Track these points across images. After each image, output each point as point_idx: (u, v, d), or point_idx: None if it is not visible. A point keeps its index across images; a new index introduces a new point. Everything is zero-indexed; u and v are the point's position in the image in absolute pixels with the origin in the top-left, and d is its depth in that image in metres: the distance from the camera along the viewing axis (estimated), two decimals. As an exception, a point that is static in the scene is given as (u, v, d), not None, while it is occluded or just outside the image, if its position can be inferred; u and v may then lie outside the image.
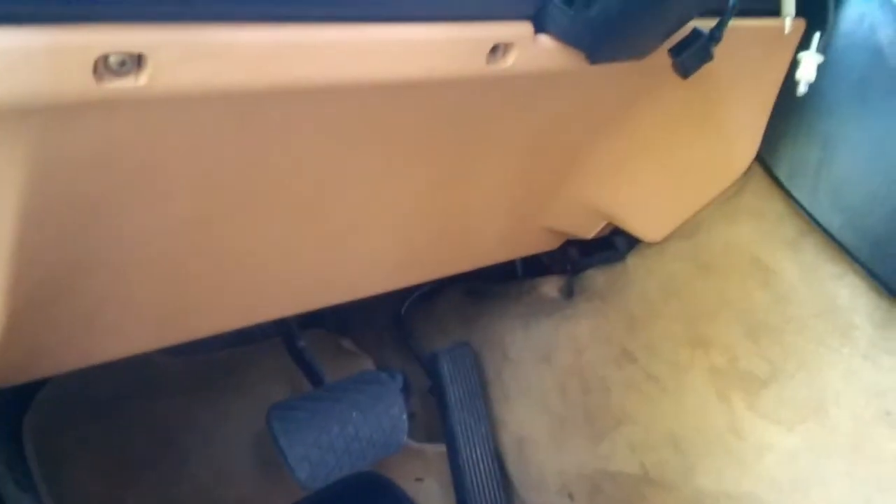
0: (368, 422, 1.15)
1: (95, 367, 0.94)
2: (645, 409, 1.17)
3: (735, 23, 0.79)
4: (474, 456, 1.32)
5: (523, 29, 0.69)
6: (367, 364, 1.53)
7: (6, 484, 1.00)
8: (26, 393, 1.16)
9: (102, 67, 0.47)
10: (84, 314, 0.73)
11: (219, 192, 0.70)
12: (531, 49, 0.70)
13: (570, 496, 1.26)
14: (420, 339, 1.55)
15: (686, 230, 1.15)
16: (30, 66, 0.44)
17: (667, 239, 1.17)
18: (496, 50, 0.68)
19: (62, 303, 0.71)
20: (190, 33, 0.50)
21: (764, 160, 1.09)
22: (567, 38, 0.71)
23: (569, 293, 1.36)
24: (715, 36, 0.79)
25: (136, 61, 0.49)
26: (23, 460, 1.10)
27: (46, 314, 0.70)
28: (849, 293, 1.03)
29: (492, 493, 1.30)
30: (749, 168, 1.10)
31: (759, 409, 1.08)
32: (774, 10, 0.88)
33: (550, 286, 1.39)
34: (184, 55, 0.50)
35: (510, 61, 0.69)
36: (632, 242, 1.23)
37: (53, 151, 0.51)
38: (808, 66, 0.84)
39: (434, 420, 1.43)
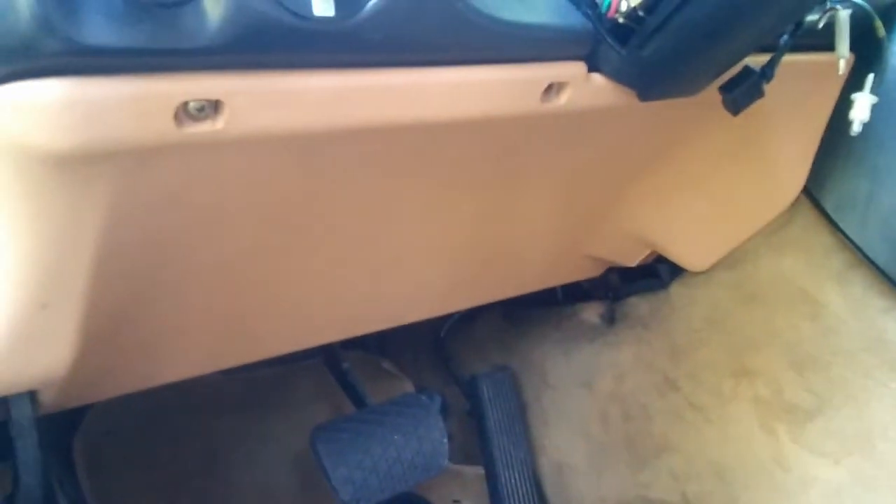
0: (410, 445, 1.17)
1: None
2: (687, 438, 1.17)
3: (786, 58, 0.80)
4: (513, 480, 1.32)
5: (577, 69, 0.70)
6: (407, 386, 1.54)
7: (59, 501, 1.03)
8: (76, 411, 1.19)
9: (183, 113, 0.50)
10: (146, 341, 0.76)
11: (277, 226, 0.72)
12: (584, 88, 0.71)
13: (611, 524, 1.26)
14: (459, 363, 1.56)
15: (732, 260, 1.15)
16: (117, 113, 0.47)
17: (712, 268, 1.17)
18: (550, 89, 0.70)
19: (127, 331, 0.73)
20: (264, 81, 0.52)
21: (811, 192, 1.09)
22: (619, 77, 0.73)
23: (610, 320, 1.36)
24: (767, 74, 0.79)
25: (213, 107, 0.51)
26: (73, 477, 1.12)
27: (112, 341, 0.73)
28: (897, 327, 1.02)
29: (531, 518, 1.30)
30: (796, 200, 1.10)
31: (805, 441, 1.07)
32: (824, 46, 0.88)
33: (591, 312, 1.40)
34: (258, 101, 0.52)
35: (563, 100, 0.71)
36: (675, 271, 1.23)
37: (131, 190, 0.54)
38: (863, 107, 0.84)
39: (472, 443, 1.43)
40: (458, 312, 1.55)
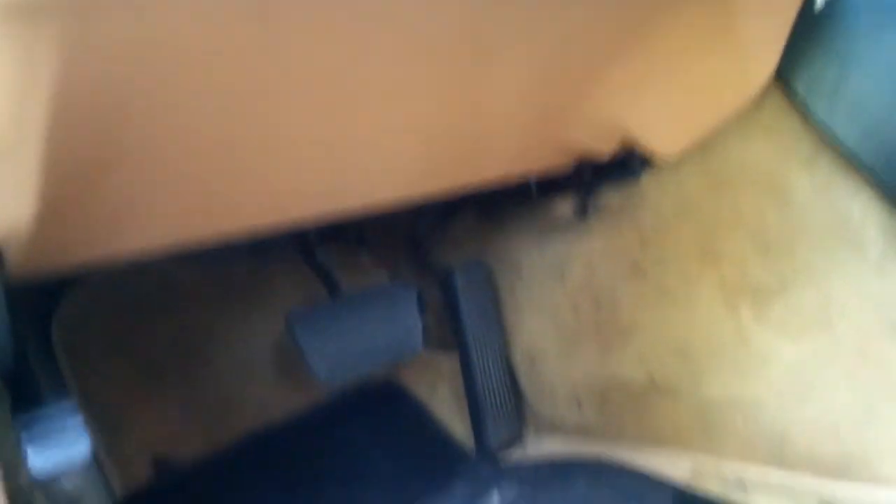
0: (385, 327, 1.19)
1: (120, 272, 0.97)
2: (654, 321, 1.21)
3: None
4: (487, 366, 1.36)
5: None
6: (383, 278, 1.56)
7: (37, 378, 1.05)
8: (55, 291, 1.20)
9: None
10: (113, 202, 0.76)
11: (241, 88, 0.71)
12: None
13: (579, 404, 1.31)
14: (436, 258, 1.58)
15: (701, 148, 1.16)
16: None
17: (682, 158, 1.18)
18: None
19: (90, 195, 0.73)
20: None
21: (782, 77, 1.09)
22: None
23: (583, 213, 1.37)
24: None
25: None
26: (52, 356, 1.14)
27: (75, 205, 0.73)
28: (861, 208, 1.04)
29: (503, 400, 1.35)
30: (767, 85, 1.10)
31: (767, 319, 1.11)
32: (799, -84, 0.87)
33: (565, 206, 1.41)
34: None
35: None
36: (647, 162, 1.24)
37: (83, 37, 0.53)
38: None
39: (447, 335, 1.47)
40: (434, 209, 1.56)
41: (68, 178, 0.67)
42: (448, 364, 1.45)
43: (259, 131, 0.80)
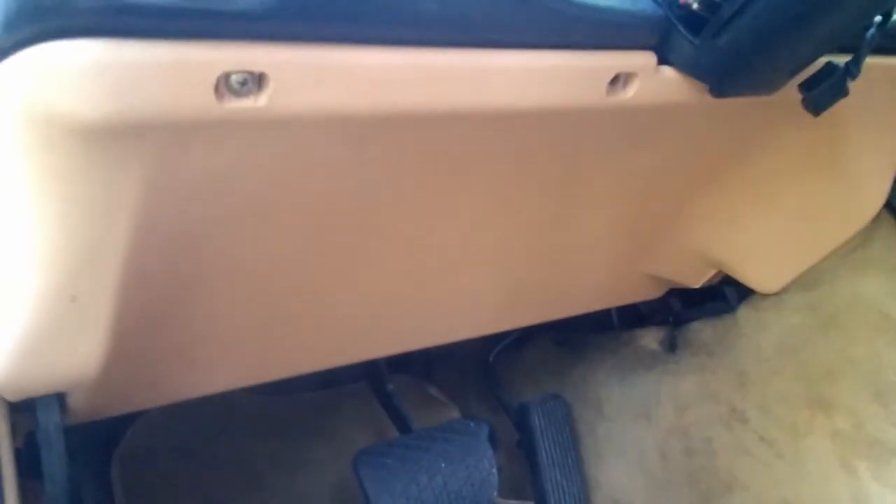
0: (457, 474, 1.11)
1: (185, 404, 0.93)
2: (757, 476, 1.08)
3: (869, 60, 0.74)
4: (566, 517, 1.25)
5: (646, 59, 0.65)
6: (454, 413, 1.48)
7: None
8: (117, 427, 1.16)
9: (224, 86, 0.46)
10: (180, 345, 0.72)
11: (323, 221, 0.68)
12: (653, 80, 0.66)
13: (672, 567, 1.17)
14: (508, 390, 1.49)
15: (806, 282, 1.08)
16: (153, 81, 0.43)
17: (784, 291, 1.09)
18: (617, 80, 0.65)
19: (161, 333, 0.70)
20: (312, 54, 0.48)
21: (894, 208, 1.02)
22: (691, 69, 0.68)
23: (671, 346, 1.28)
24: (851, 70, 0.73)
25: (257, 81, 0.47)
26: (109, 494, 1.09)
27: (145, 344, 0.69)
28: None
29: (585, 557, 1.22)
30: (877, 216, 1.02)
31: (889, 480, 0.98)
32: (911, 47, 0.82)
33: (650, 338, 1.32)
34: (306, 76, 0.48)
35: (631, 93, 0.66)
36: (743, 293, 1.16)
37: (168, 171, 0.50)
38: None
39: (521, 476, 1.36)
40: (507, 336, 1.49)
41: (137, 324, 0.63)
42: (523, 512, 1.34)
43: (339, 268, 0.76)
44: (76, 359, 0.59)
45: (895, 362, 1.00)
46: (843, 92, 0.75)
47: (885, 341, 1.01)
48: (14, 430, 0.65)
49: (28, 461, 0.65)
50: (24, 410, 0.65)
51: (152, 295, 0.62)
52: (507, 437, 1.42)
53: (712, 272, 1.11)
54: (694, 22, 0.65)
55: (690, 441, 1.18)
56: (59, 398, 0.65)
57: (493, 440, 1.33)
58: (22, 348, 0.56)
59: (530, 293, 0.99)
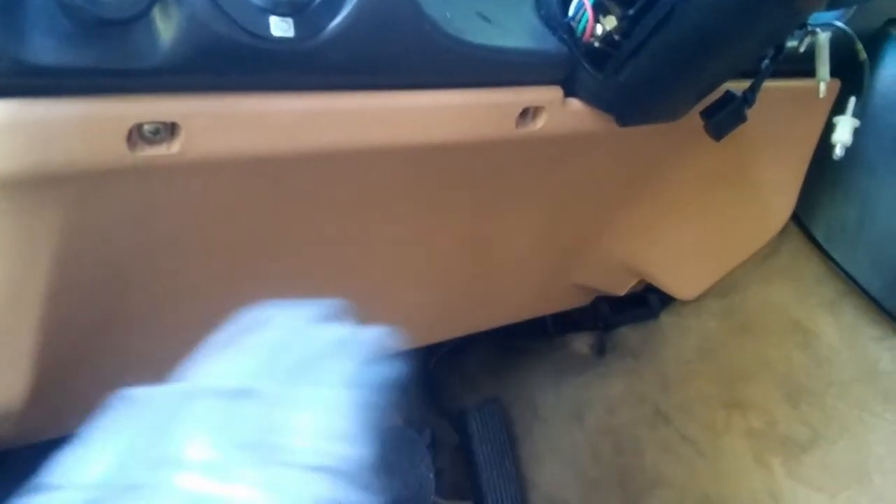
0: (394, 479, 1.13)
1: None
2: (680, 473, 1.14)
3: (768, 84, 0.79)
4: (503, 517, 1.29)
5: (553, 93, 0.69)
6: (395, 420, 1.51)
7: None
8: (55, 448, 1.16)
9: (136, 136, 0.48)
10: (112, 374, 0.73)
11: (248, 253, 0.70)
12: (561, 113, 0.70)
13: (602, 563, 1.23)
14: (449, 394, 1.53)
15: (722, 289, 1.13)
16: (64, 136, 0.45)
17: (702, 297, 1.15)
18: (526, 113, 0.68)
19: (90, 364, 0.71)
20: (221, 103, 0.51)
21: (800, 219, 1.08)
22: (597, 102, 0.71)
23: (600, 350, 1.33)
24: (748, 98, 0.78)
25: (169, 130, 0.49)
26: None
27: (75, 374, 0.70)
28: (891, 356, 1.00)
29: (521, 556, 1.27)
30: (785, 227, 1.08)
31: (800, 474, 1.04)
32: (808, 71, 0.87)
33: (581, 343, 1.37)
34: (216, 124, 0.50)
35: (539, 124, 0.69)
36: (665, 300, 1.21)
37: (86, 217, 0.52)
38: (844, 131, 0.82)
39: (462, 478, 1.40)
40: (447, 344, 1.52)
41: (64, 356, 0.65)
42: (463, 513, 1.38)
43: (265, 294, 0.78)
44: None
45: (804, 364, 1.06)
46: (741, 118, 0.79)
47: (793, 344, 1.07)
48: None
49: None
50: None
51: (78, 329, 0.63)
52: (449, 440, 1.46)
53: (635, 280, 1.16)
54: (597, 58, 0.68)
55: (619, 441, 1.23)
56: (-14, 427, 0.66)
57: (434, 445, 1.36)
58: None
59: (462, 306, 1.02)
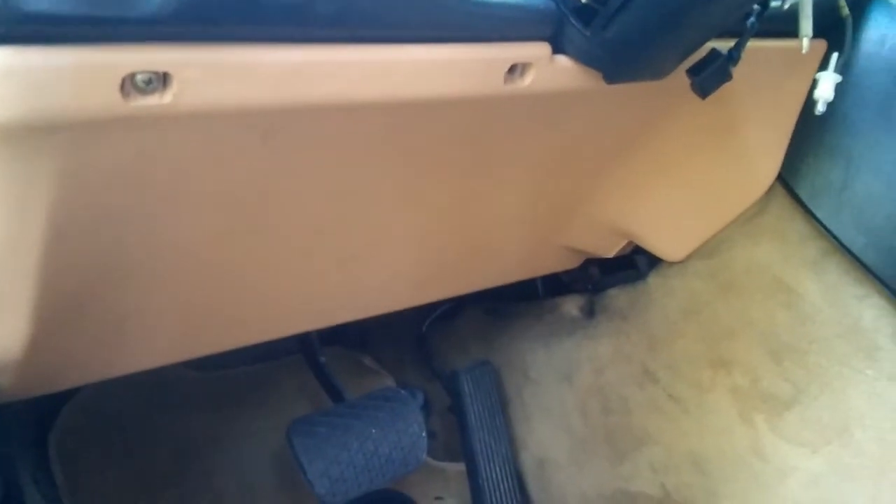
0: (388, 439, 1.16)
1: (120, 380, 0.96)
2: (666, 430, 1.16)
3: (754, 43, 0.80)
4: (494, 476, 1.32)
5: (541, 49, 0.70)
6: (388, 382, 1.53)
7: (33, 495, 1.02)
8: (52, 405, 1.18)
9: (129, 85, 0.49)
10: (110, 325, 0.75)
11: (243, 206, 0.71)
12: (549, 69, 0.71)
13: (591, 517, 1.25)
14: (441, 358, 1.55)
15: (707, 249, 1.15)
16: (59, 84, 0.46)
17: (688, 258, 1.17)
18: (514, 70, 0.69)
19: (89, 314, 0.72)
20: (214, 53, 0.51)
21: (786, 180, 1.09)
22: (584, 58, 0.72)
23: (590, 312, 1.35)
24: (733, 56, 0.79)
25: (161, 80, 0.50)
26: (48, 472, 1.11)
27: (73, 325, 0.72)
28: (873, 314, 1.02)
29: (512, 512, 1.29)
30: (771, 188, 1.09)
31: (782, 430, 1.07)
32: (794, 32, 0.88)
33: (571, 305, 1.39)
34: (208, 74, 0.51)
35: (528, 81, 0.70)
36: (653, 262, 1.23)
37: (81, 166, 0.53)
38: (826, 86, 0.83)
39: (454, 439, 1.42)
40: (439, 307, 1.54)
41: (62, 306, 0.66)
42: (455, 472, 1.40)
43: (260, 249, 0.79)
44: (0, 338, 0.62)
45: (787, 323, 1.08)
46: (726, 76, 0.80)
47: (777, 303, 1.09)
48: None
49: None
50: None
51: (75, 279, 0.65)
52: (440, 402, 1.48)
53: (623, 242, 1.18)
54: (585, 14, 0.69)
55: (607, 400, 1.26)
56: (-14, 379, 0.67)
57: (426, 407, 1.38)
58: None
59: (453, 266, 1.04)
